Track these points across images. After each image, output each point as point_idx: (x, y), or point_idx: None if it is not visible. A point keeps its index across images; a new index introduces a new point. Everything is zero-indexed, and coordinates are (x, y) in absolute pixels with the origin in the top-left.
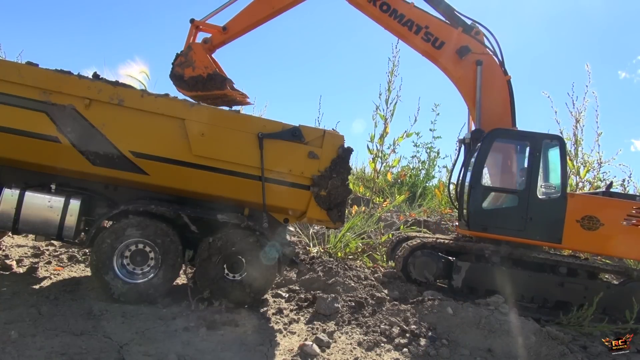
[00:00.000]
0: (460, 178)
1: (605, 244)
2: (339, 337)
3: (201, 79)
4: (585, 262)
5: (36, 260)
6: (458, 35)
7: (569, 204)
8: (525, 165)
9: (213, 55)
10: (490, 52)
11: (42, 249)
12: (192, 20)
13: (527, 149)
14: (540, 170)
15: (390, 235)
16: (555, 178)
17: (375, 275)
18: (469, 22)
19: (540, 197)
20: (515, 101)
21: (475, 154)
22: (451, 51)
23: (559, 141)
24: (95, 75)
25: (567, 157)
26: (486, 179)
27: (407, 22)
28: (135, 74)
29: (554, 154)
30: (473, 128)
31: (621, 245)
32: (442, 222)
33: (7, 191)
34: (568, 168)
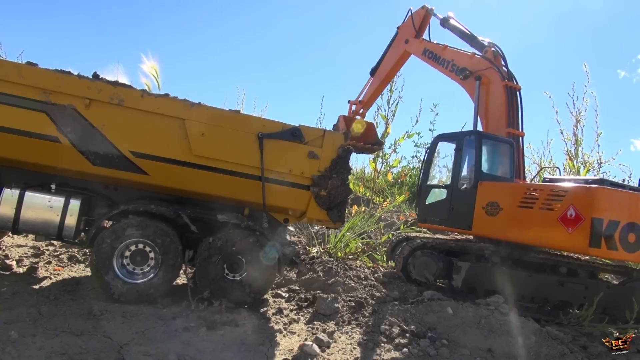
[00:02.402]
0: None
1: (503, 228)
2: (339, 337)
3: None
4: (585, 262)
5: (36, 260)
6: (469, 60)
7: (478, 191)
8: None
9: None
10: (494, 66)
11: (42, 249)
12: (348, 101)
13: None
14: (464, 163)
15: (390, 236)
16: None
17: (375, 275)
18: (486, 44)
19: (460, 188)
20: (519, 105)
21: (425, 157)
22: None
23: (475, 135)
24: (95, 75)
25: (482, 149)
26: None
27: (442, 61)
28: (148, 69)
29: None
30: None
31: (517, 229)
32: None
33: (7, 191)
34: (483, 158)
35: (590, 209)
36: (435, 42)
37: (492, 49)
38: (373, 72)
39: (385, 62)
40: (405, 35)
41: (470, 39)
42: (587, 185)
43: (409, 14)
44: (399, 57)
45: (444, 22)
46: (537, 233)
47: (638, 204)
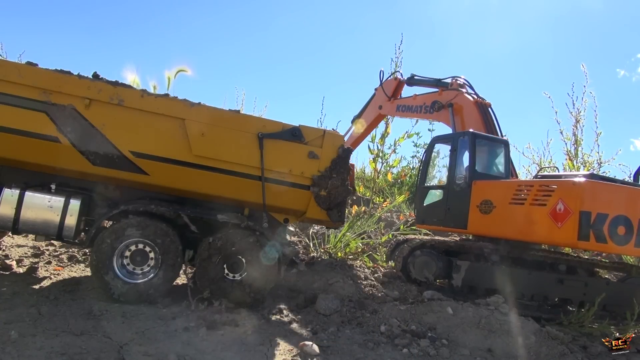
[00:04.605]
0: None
1: (497, 225)
2: (339, 337)
3: None
4: (584, 260)
5: (36, 260)
6: (438, 95)
7: (472, 190)
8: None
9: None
10: (463, 91)
11: (42, 249)
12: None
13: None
14: (459, 164)
15: (390, 236)
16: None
17: (375, 275)
18: (449, 80)
19: (455, 188)
20: (494, 119)
21: (422, 158)
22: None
23: (469, 135)
24: (95, 75)
25: (475, 149)
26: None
27: (415, 108)
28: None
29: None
30: None
31: (509, 225)
32: None
33: (7, 191)
34: (478, 158)
35: (578, 202)
36: (404, 97)
37: (458, 81)
38: (354, 121)
39: (363, 117)
40: (379, 102)
41: (435, 83)
42: (575, 180)
43: (382, 75)
44: (374, 118)
45: (410, 81)
46: (529, 229)
47: (627, 197)
